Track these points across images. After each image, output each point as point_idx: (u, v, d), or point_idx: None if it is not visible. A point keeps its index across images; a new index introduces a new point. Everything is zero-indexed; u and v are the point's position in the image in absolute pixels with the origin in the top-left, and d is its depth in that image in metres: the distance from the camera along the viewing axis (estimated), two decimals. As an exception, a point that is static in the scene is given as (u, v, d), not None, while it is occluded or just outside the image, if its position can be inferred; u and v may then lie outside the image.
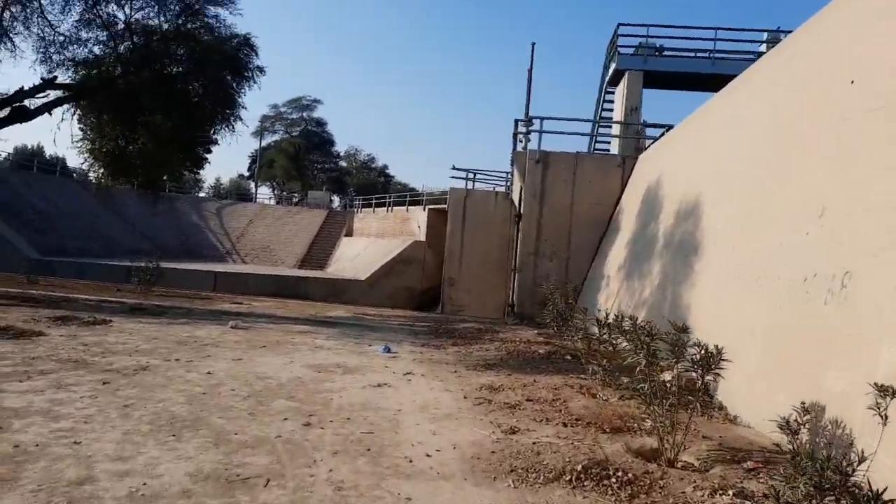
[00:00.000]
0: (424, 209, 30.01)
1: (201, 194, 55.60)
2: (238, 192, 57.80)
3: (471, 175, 23.02)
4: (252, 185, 58.51)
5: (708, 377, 4.18)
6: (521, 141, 15.27)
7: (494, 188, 24.39)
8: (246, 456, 3.86)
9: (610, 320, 6.02)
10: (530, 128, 14.45)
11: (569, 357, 8.14)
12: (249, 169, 58.70)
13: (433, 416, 5.18)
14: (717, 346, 4.20)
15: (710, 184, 7.78)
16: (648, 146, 15.54)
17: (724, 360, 4.15)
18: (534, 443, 4.45)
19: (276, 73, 73.68)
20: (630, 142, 15.61)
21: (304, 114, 53.73)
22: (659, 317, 7.95)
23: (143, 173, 15.50)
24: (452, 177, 32.87)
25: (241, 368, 6.57)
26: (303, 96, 53.25)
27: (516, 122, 14.94)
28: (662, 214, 9.53)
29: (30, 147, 52.45)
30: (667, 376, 6.63)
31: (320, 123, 54.78)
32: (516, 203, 20.07)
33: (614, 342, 6.04)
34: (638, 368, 4.26)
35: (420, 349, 8.83)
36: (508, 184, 23.30)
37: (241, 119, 14.82)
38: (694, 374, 4.21)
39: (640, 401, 4.36)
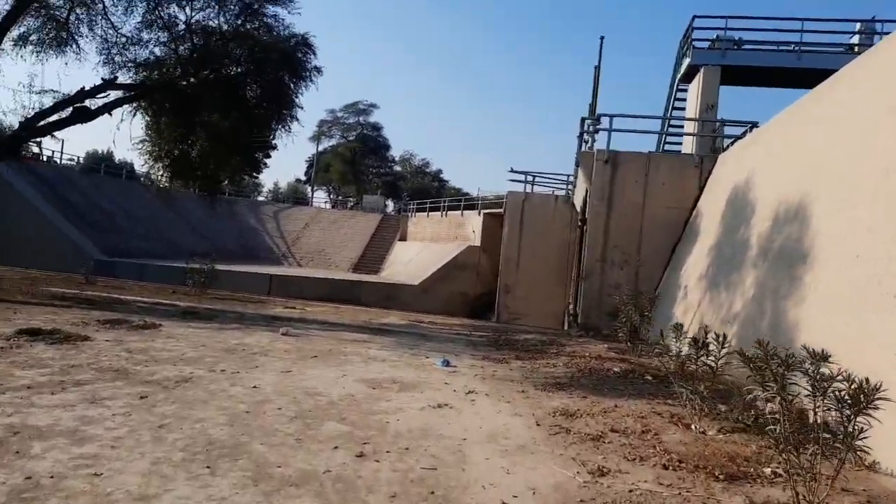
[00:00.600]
0: (479, 213, 29.34)
1: (260, 198, 56.72)
2: (295, 196, 58.57)
3: (529, 178, 22.19)
4: (309, 189, 59.25)
5: (860, 419, 3.31)
6: (586, 141, 14.38)
7: (553, 192, 23.50)
8: (288, 497, 3.24)
9: (709, 339, 5.17)
10: (598, 126, 13.54)
11: (649, 378, 7.26)
12: (306, 173, 59.49)
13: (504, 448, 4.45)
14: (867, 380, 3.33)
15: (819, 184, 6.77)
16: (728, 146, 14.39)
17: (881, 397, 3.27)
18: (630, 490, 3.67)
19: (333, 78, 74.73)
20: (706, 141, 14.48)
21: (361, 118, 53.96)
22: (754, 334, 6.98)
23: (202, 175, 15.46)
24: (511, 180, 32.07)
25: (290, 382, 6.02)
26: (359, 101, 53.51)
27: (583, 120, 14.07)
28: (755, 219, 8.51)
29: (100, 152, 54.76)
30: (774, 406, 5.70)
31: (376, 128, 54.91)
32: (578, 207, 19.13)
33: (713, 364, 5.18)
34: (769, 406, 3.41)
35: (481, 363, 8.12)
36: (569, 187, 22.37)
37: (297, 119, 14.55)
38: (838, 413, 3.35)
39: (772, 445, 3.51)
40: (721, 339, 5.05)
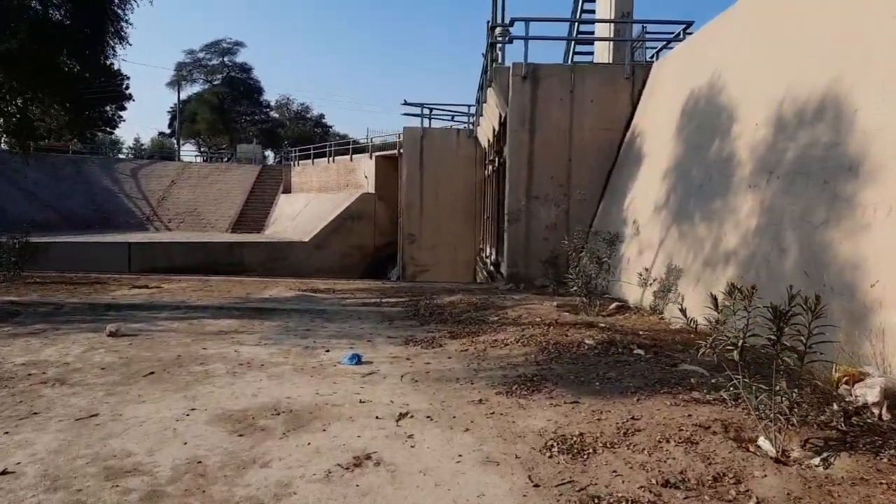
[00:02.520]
0: (371, 157, 26.57)
1: (120, 156, 49.93)
2: (161, 153, 52.09)
3: (426, 111, 19.61)
4: (175, 143, 52.87)
5: None
6: (495, 59, 12.00)
7: (452, 126, 21.16)
8: None
9: (794, 306, 3.14)
10: (509, 35, 11.15)
11: (640, 352, 5.26)
12: (170, 126, 52.98)
13: (502, 576, 2.19)
14: None
15: (860, 64, 4.87)
16: (653, 55, 12.64)
17: None
18: None
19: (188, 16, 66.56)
20: (623, 52, 12.54)
21: (226, 59, 48.20)
22: (771, 279, 5.16)
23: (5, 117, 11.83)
24: (405, 114, 29.43)
25: (84, 446, 3.38)
26: (222, 39, 47.63)
27: (491, 28, 11.60)
28: (738, 126, 6.64)
29: None
30: (869, 396, 3.86)
31: (245, 69, 49.44)
32: (484, 141, 16.97)
33: (802, 345, 3.17)
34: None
35: (405, 350, 5.79)
36: (470, 120, 20.09)
37: (123, 39, 11.02)
38: None
39: None
40: (815, 302, 3.04)
